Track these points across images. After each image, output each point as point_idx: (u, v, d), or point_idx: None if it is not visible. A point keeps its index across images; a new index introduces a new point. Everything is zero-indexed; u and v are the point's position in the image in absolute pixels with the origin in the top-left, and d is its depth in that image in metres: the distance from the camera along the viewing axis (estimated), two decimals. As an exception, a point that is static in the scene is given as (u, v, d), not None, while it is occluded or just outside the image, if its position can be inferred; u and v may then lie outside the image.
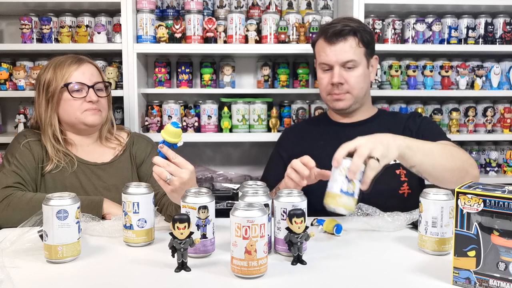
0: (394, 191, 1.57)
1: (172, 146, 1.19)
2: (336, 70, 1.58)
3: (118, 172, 1.58)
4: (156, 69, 2.37)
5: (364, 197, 1.36)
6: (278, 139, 1.86)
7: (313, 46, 1.70)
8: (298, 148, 1.69)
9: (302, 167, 1.31)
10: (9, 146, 1.55)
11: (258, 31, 2.30)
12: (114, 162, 1.59)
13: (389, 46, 2.30)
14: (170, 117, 2.32)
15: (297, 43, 2.27)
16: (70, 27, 2.27)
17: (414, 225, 1.29)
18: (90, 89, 1.54)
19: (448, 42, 2.36)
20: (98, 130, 1.63)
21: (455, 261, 0.93)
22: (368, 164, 1.13)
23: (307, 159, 1.33)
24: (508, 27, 2.36)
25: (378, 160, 1.13)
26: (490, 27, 2.36)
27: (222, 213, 1.22)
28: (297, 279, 0.99)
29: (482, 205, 0.89)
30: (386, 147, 1.16)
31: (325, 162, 1.55)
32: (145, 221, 1.18)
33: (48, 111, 1.53)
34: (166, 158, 1.17)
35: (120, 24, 2.20)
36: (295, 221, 1.03)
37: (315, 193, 1.45)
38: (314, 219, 1.34)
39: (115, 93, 2.21)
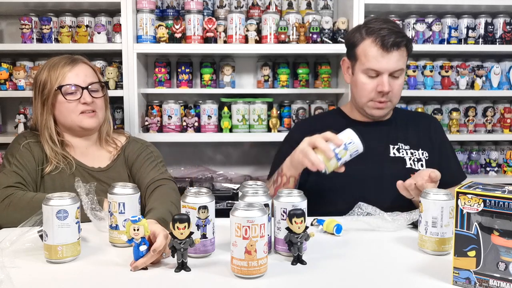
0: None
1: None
2: (385, 78, 1.54)
3: (116, 176, 1.56)
4: (156, 69, 2.37)
5: (384, 205, 1.37)
6: (287, 135, 1.79)
7: (354, 46, 1.60)
8: None
9: (325, 145, 1.28)
10: (9, 147, 1.55)
11: (258, 31, 2.30)
12: (111, 168, 1.58)
13: (389, 46, 2.30)
14: (170, 117, 2.32)
15: (297, 43, 2.27)
16: (70, 27, 2.27)
17: (414, 225, 1.29)
18: (84, 91, 1.52)
19: (448, 42, 2.36)
20: (97, 131, 1.61)
21: (455, 261, 0.93)
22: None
23: (332, 135, 1.29)
24: (508, 27, 2.36)
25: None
26: (490, 27, 2.36)
27: (222, 213, 1.22)
28: (297, 279, 0.99)
29: (482, 205, 0.89)
30: None
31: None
32: None
33: (44, 114, 1.51)
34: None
35: (120, 24, 2.20)
36: (295, 221, 1.03)
37: (341, 195, 1.46)
38: (314, 219, 1.34)
39: (115, 93, 2.21)
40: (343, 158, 1.29)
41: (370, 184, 1.54)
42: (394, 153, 1.62)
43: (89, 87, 1.53)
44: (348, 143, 1.28)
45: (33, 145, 1.52)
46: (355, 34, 1.61)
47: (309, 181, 1.67)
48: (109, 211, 1.19)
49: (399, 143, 1.63)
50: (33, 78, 2.19)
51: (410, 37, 2.34)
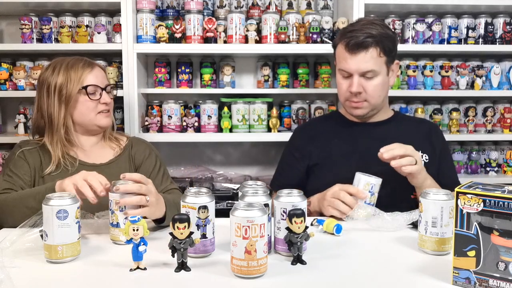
0: (406, 195, 1.56)
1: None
2: (355, 80, 1.56)
3: (117, 172, 1.58)
4: (156, 69, 2.37)
5: (383, 205, 1.39)
6: (289, 140, 1.82)
7: (334, 47, 1.67)
8: (311, 145, 1.69)
9: (351, 200, 1.37)
10: (6, 159, 1.61)
11: (258, 31, 2.30)
12: (113, 163, 1.61)
13: (389, 46, 2.30)
14: (170, 117, 2.32)
15: (297, 43, 2.27)
16: (70, 27, 2.27)
17: (414, 225, 1.29)
18: (103, 91, 1.59)
19: (448, 42, 2.36)
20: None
21: (455, 261, 0.93)
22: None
23: (355, 190, 1.39)
24: (508, 27, 2.36)
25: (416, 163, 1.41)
26: (490, 27, 2.36)
27: (222, 213, 1.22)
28: (297, 279, 0.99)
29: (482, 205, 0.89)
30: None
31: (338, 160, 1.56)
32: None
33: (62, 113, 1.54)
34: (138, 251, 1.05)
35: (120, 24, 2.20)
36: (295, 221, 1.03)
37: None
38: (314, 219, 1.34)
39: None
40: (374, 201, 1.40)
41: None
42: None
43: (106, 88, 1.61)
44: (370, 189, 1.38)
45: (28, 152, 1.55)
46: (337, 36, 1.66)
47: (309, 182, 1.68)
48: (110, 209, 1.20)
49: None
50: (33, 78, 2.21)
51: (410, 37, 2.34)
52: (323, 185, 1.52)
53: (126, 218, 1.17)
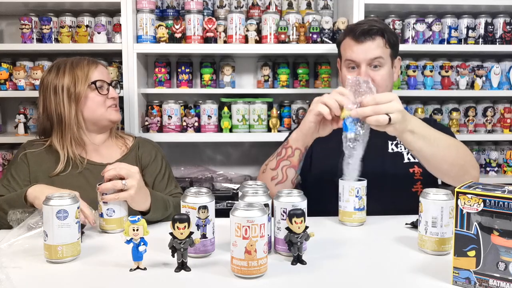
0: (407, 189, 1.58)
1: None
2: (363, 69, 1.58)
3: None
4: (156, 69, 2.38)
5: (375, 195, 1.39)
6: (289, 133, 1.83)
7: (338, 45, 1.70)
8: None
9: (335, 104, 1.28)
10: (11, 159, 1.62)
11: (258, 31, 2.30)
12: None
13: (389, 46, 2.30)
14: (170, 117, 2.32)
15: (297, 43, 2.27)
16: (70, 27, 2.27)
17: (414, 225, 1.29)
18: (110, 87, 1.61)
19: (448, 42, 2.36)
20: None
21: (455, 261, 0.93)
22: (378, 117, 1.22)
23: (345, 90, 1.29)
24: (508, 27, 2.36)
25: (390, 120, 1.21)
26: (490, 27, 2.36)
27: (222, 213, 1.22)
28: (297, 279, 0.99)
29: (482, 205, 0.89)
30: (403, 120, 1.25)
31: (339, 156, 1.56)
32: (114, 211, 1.28)
33: (73, 111, 1.54)
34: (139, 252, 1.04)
35: (120, 24, 2.20)
36: (295, 221, 1.03)
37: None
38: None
39: (115, 93, 2.22)
40: (364, 204, 1.34)
41: (370, 180, 1.55)
42: (392, 149, 1.64)
43: (112, 83, 1.63)
44: (357, 194, 1.33)
45: (30, 155, 1.55)
46: (341, 34, 1.69)
47: (308, 180, 1.68)
48: (98, 202, 1.29)
49: (397, 138, 1.65)
50: (33, 78, 2.22)
51: (410, 37, 2.34)
52: (323, 182, 1.53)
53: (107, 208, 1.27)
